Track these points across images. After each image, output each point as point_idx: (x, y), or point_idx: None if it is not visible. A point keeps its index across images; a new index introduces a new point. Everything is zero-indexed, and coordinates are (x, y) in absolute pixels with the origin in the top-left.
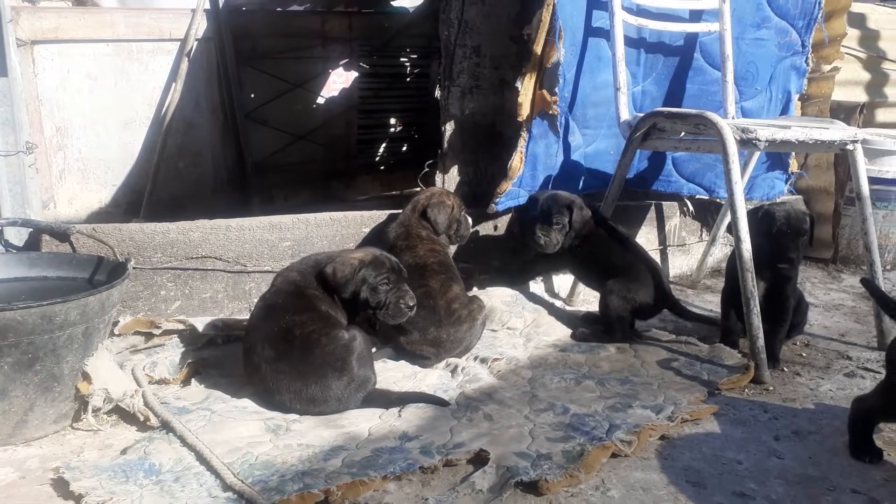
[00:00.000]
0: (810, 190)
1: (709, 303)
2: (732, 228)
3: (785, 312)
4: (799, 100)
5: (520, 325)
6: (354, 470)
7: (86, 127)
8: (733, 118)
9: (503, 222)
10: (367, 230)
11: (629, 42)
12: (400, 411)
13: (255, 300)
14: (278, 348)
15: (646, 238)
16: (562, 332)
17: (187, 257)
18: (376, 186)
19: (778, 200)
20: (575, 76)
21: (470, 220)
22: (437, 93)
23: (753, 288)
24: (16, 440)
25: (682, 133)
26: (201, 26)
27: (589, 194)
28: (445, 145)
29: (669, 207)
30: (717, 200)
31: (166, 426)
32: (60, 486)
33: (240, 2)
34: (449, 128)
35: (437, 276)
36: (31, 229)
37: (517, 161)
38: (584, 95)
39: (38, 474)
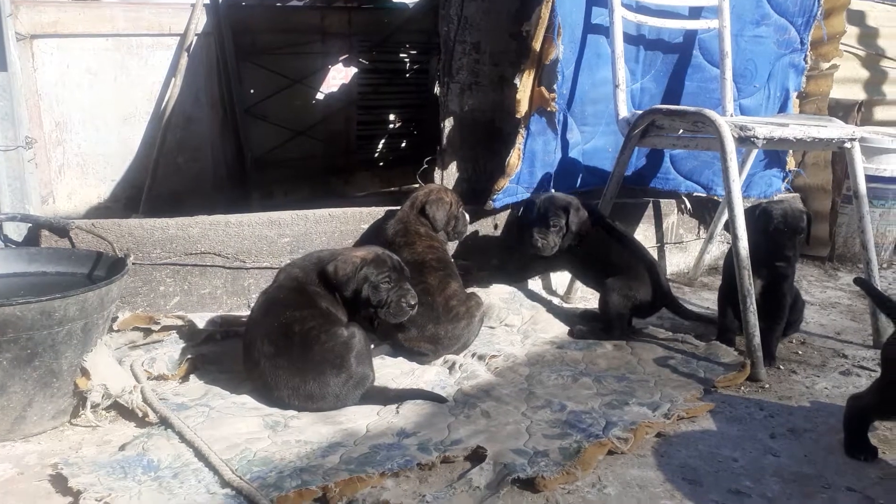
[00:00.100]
0: (807, 188)
1: (706, 300)
2: (730, 226)
3: (781, 310)
4: (797, 97)
5: (517, 322)
6: (352, 466)
7: (85, 122)
8: (732, 116)
9: (502, 219)
10: (366, 226)
11: (628, 39)
12: (398, 408)
13: (254, 296)
14: (278, 344)
15: (643, 235)
16: (559, 330)
17: (186, 253)
18: (375, 183)
19: (775, 198)
20: (574, 73)
21: (468, 216)
22: (437, 89)
23: (750, 286)
24: (14, 436)
25: (681, 130)
26: (201, 21)
27: (587, 191)
28: (444, 142)
29: (667, 205)
30: (715, 198)
31: (165, 422)
32: (59, 481)
33: None
34: (448, 124)
35: (436, 273)
36: (30, 224)
37: (515, 158)
38: (582, 92)
39: (36, 470)
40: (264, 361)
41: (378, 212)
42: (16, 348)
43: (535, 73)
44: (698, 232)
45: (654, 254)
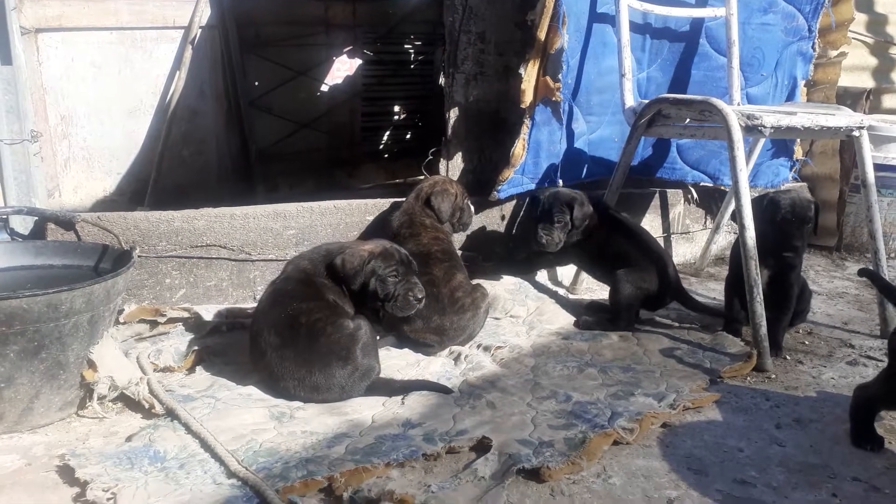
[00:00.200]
0: (815, 177)
1: (712, 291)
2: (736, 216)
3: (788, 300)
4: (805, 86)
5: (523, 313)
6: (358, 457)
7: (90, 115)
8: (739, 104)
9: (508, 210)
10: (371, 218)
11: (634, 28)
12: (403, 399)
13: (260, 288)
14: (284, 335)
15: (650, 226)
16: (565, 321)
17: (192, 245)
18: (380, 174)
19: (783, 188)
20: (579, 62)
21: (473, 208)
22: (442, 80)
23: (757, 276)
24: (22, 427)
25: (687, 120)
26: (205, 14)
27: (593, 181)
28: (449, 133)
29: (674, 195)
30: (722, 188)
31: (171, 414)
32: (66, 472)
33: None
34: (453, 115)
35: (441, 265)
36: (36, 218)
37: (519, 148)
38: (588, 82)
39: (43, 461)
40: (270, 352)
41: (383, 203)
42: (23, 340)
43: (540, 63)
44: (705, 222)
45: (661, 244)
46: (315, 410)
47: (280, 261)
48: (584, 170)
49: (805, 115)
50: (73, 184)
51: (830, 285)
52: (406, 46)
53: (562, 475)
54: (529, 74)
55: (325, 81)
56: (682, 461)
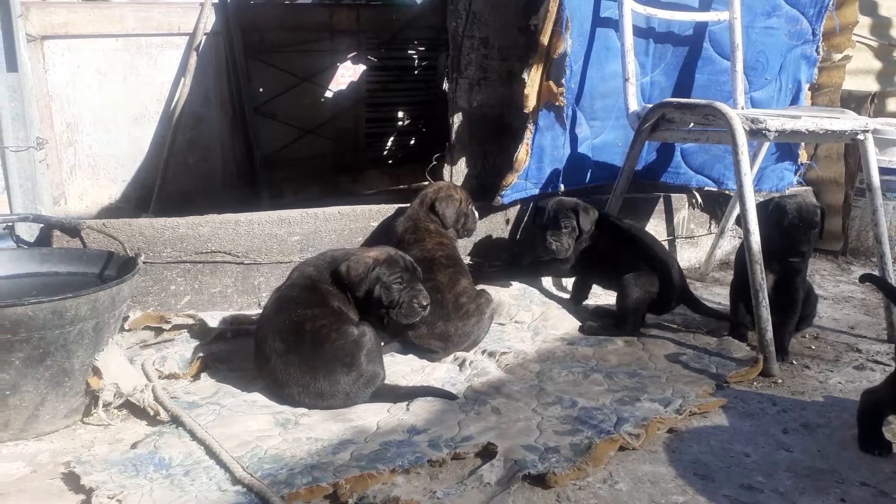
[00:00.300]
0: (820, 181)
1: (717, 295)
2: (741, 220)
3: (794, 305)
4: (809, 89)
5: (528, 318)
6: (363, 463)
7: (96, 122)
8: (743, 108)
9: (513, 215)
10: (376, 224)
11: (638, 32)
12: (408, 405)
13: (264, 295)
14: (289, 341)
15: (654, 230)
16: (570, 326)
17: (197, 252)
18: (384, 180)
19: (788, 192)
20: (582, 67)
21: (477, 213)
22: (445, 85)
23: (762, 280)
24: (27, 435)
25: (691, 124)
26: (210, 20)
27: (597, 186)
28: (453, 138)
29: (678, 199)
30: (726, 192)
31: (176, 420)
32: (71, 480)
33: None
34: (457, 120)
35: (445, 270)
36: (42, 225)
37: (523, 153)
38: (591, 86)
39: (49, 468)
40: (275, 358)
41: (387, 209)
42: (28, 348)
43: (544, 68)
44: (709, 227)
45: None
46: (320, 417)
47: (284, 265)
48: (588, 174)
49: (809, 119)
50: (79, 191)
51: (836, 289)
52: (410, 52)
53: (568, 481)
54: (533, 79)
55: (330, 87)
56: (689, 466)
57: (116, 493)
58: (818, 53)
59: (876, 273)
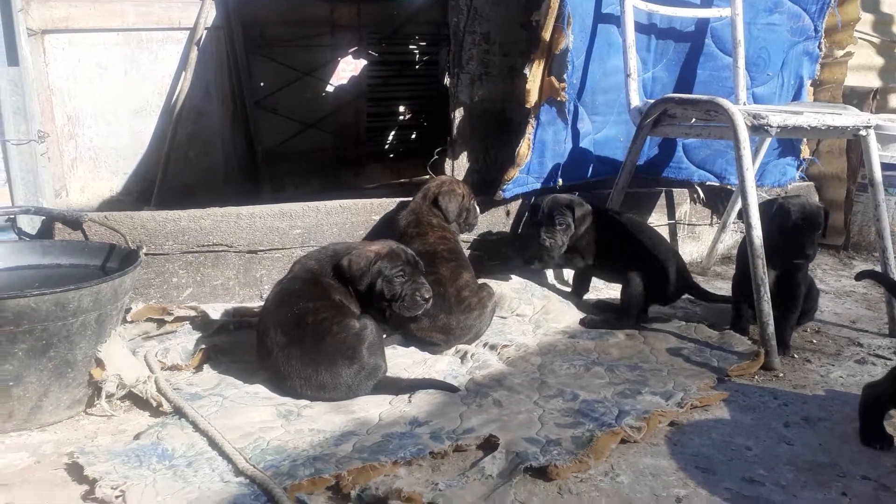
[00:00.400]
0: (822, 176)
1: (719, 289)
2: (743, 215)
3: (796, 299)
4: (811, 85)
5: (529, 311)
6: (365, 455)
7: (97, 116)
8: (745, 104)
9: (514, 209)
10: (377, 218)
11: (639, 28)
12: (410, 397)
13: (266, 287)
14: (290, 334)
15: (656, 225)
16: (571, 319)
17: (199, 245)
18: (386, 174)
19: (790, 191)
20: (584, 62)
21: (478, 208)
22: (447, 80)
23: (764, 274)
24: (31, 425)
25: (693, 119)
26: (210, 14)
27: (599, 181)
28: (455, 132)
29: (680, 194)
30: (728, 187)
31: (179, 412)
32: (75, 470)
33: None
34: (458, 115)
35: (448, 264)
36: (43, 217)
37: (525, 148)
38: (593, 82)
39: (52, 459)
40: (277, 351)
41: (389, 203)
42: (31, 339)
43: (545, 63)
44: (711, 221)
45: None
46: (322, 409)
47: (284, 256)
48: (590, 169)
49: (812, 115)
50: (80, 184)
51: (838, 284)
52: (411, 47)
53: (569, 473)
54: (534, 74)
55: (331, 82)
56: (690, 460)
57: (120, 483)
58: (820, 50)
59: (873, 268)
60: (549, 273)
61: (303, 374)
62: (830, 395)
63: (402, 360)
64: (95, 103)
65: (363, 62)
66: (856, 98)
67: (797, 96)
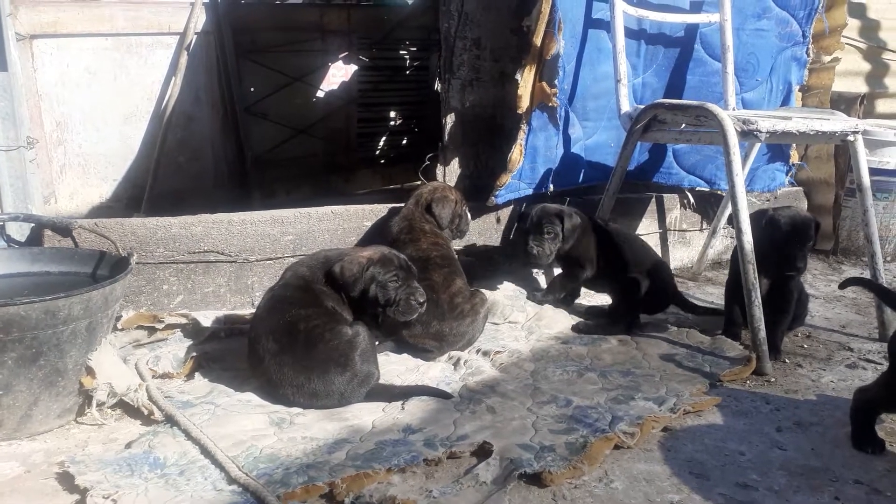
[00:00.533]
0: (811, 181)
1: (710, 294)
2: (733, 220)
3: (788, 304)
4: (800, 91)
5: (522, 318)
6: (359, 462)
7: (86, 122)
8: (734, 109)
9: (504, 215)
10: (369, 224)
11: (629, 33)
12: (403, 404)
13: (258, 294)
14: (282, 341)
15: (646, 230)
16: (564, 325)
17: (189, 252)
18: (377, 180)
19: (780, 197)
20: (575, 68)
21: (469, 214)
22: (438, 85)
23: (755, 279)
24: (20, 435)
25: (683, 125)
26: (200, 19)
27: (590, 186)
28: (446, 138)
29: (670, 199)
30: (718, 192)
31: (170, 420)
32: (66, 479)
33: None
34: (449, 120)
35: (440, 270)
36: (33, 224)
37: (517, 154)
38: (584, 87)
39: (43, 468)
40: (269, 359)
41: (381, 209)
42: (21, 348)
43: (537, 69)
44: (702, 226)
45: (658, 249)
46: (315, 416)
47: (276, 256)
48: (581, 175)
49: (800, 120)
50: (69, 190)
51: (828, 289)
52: (401, 52)
53: (563, 480)
54: (526, 80)
55: (321, 87)
56: (684, 465)
57: (111, 492)
58: (808, 55)
59: (860, 274)
60: (542, 280)
61: (295, 381)
62: (822, 399)
63: (395, 366)
64: (84, 109)
65: (353, 67)
66: (843, 103)
67: (786, 101)
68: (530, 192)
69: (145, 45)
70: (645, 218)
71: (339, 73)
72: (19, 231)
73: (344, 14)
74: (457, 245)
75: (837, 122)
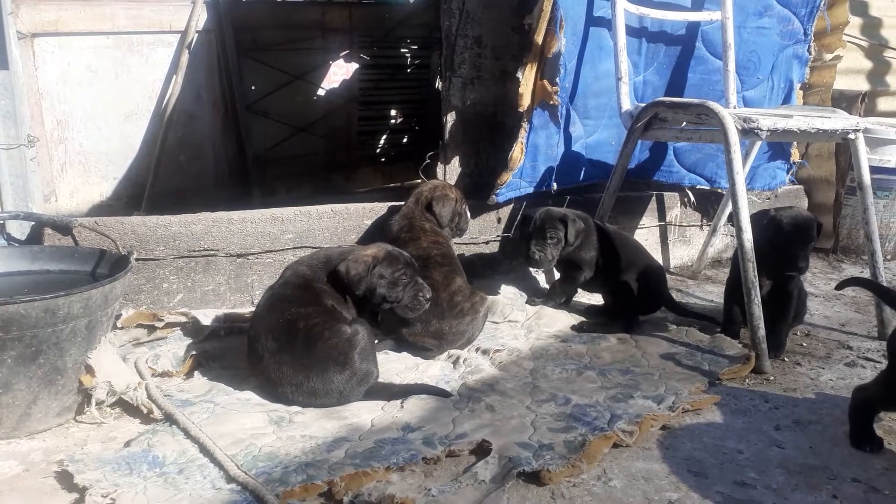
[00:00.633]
0: (811, 179)
1: (710, 293)
2: (734, 219)
3: (788, 303)
4: (801, 89)
5: (521, 317)
6: (357, 461)
7: (87, 120)
8: (735, 108)
9: (505, 214)
10: (369, 222)
11: (631, 31)
12: (402, 403)
13: (258, 293)
14: (281, 340)
15: (647, 229)
16: (563, 324)
17: (190, 250)
18: (377, 178)
19: (781, 195)
20: (576, 66)
21: (469, 213)
22: (439, 83)
23: (754, 278)
24: (19, 433)
25: (684, 123)
26: (202, 18)
27: (590, 184)
28: (447, 136)
29: (671, 198)
30: (719, 191)
31: (170, 418)
32: (65, 478)
33: None
34: (450, 119)
35: (440, 269)
36: (33, 223)
37: (518, 152)
38: (585, 85)
39: (42, 467)
40: (268, 357)
41: (381, 207)
42: (20, 346)
43: (538, 67)
44: (702, 225)
45: (658, 247)
46: (314, 415)
47: (276, 254)
48: (582, 173)
49: (801, 118)
50: (70, 188)
51: (827, 287)
52: (402, 51)
53: (562, 478)
54: (527, 78)
55: (322, 85)
56: (682, 463)
57: (110, 491)
58: (810, 53)
59: (860, 274)
60: (542, 278)
61: (294, 380)
62: (821, 398)
63: (395, 365)
64: (85, 107)
65: (354, 65)
66: (844, 101)
67: (787, 100)
68: (531, 190)
69: (146, 43)
70: (645, 216)
71: (340, 72)
72: (19, 229)
73: (345, 12)
74: (458, 246)
75: (838, 121)
